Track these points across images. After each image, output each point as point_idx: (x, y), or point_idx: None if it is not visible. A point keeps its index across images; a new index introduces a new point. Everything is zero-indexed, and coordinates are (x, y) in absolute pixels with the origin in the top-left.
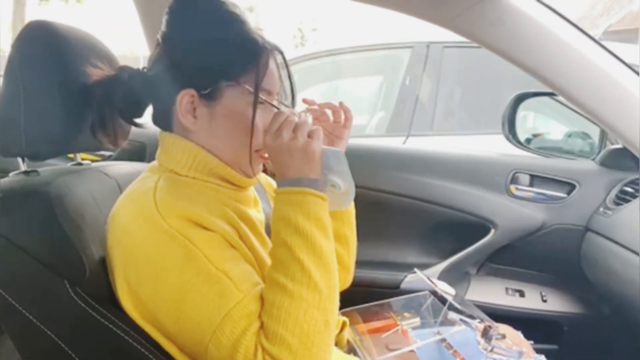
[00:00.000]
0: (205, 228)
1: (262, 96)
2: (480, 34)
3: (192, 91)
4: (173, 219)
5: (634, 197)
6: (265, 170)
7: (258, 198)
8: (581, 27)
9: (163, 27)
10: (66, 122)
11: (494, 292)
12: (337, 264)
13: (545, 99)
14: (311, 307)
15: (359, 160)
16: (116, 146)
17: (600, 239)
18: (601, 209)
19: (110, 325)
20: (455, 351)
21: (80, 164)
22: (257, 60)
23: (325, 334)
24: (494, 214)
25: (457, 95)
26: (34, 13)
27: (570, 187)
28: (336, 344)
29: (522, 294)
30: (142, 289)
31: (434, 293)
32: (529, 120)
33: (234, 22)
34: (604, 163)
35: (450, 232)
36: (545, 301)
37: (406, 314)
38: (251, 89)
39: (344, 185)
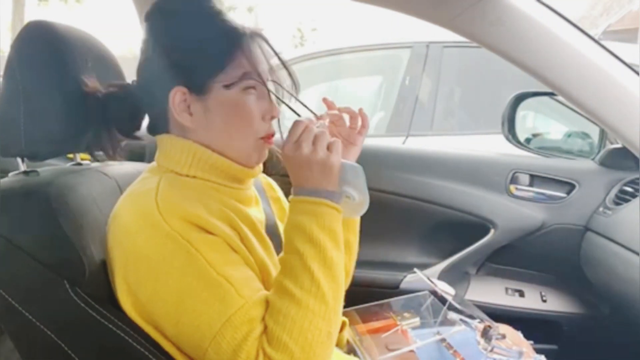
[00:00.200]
0: (206, 231)
1: (252, 80)
2: (480, 34)
3: (183, 88)
4: (175, 220)
5: (634, 196)
6: (265, 170)
7: (259, 197)
8: (581, 27)
9: (144, 35)
10: (66, 122)
11: (493, 292)
12: None
13: (545, 98)
14: (317, 317)
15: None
16: (115, 159)
17: (600, 239)
18: (601, 209)
19: (110, 325)
20: (455, 351)
21: (79, 164)
22: (241, 46)
23: (327, 345)
24: (493, 214)
25: (457, 95)
26: (33, 13)
27: (570, 187)
28: (336, 344)
29: (521, 294)
30: (142, 290)
31: (433, 293)
32: (528, 120)
33: (211, 15)
34: (603, 163)
35: (450, 232)
36: (545, 301)
37: (406, 314)
38: (238, 77)
39: (359, 197)
